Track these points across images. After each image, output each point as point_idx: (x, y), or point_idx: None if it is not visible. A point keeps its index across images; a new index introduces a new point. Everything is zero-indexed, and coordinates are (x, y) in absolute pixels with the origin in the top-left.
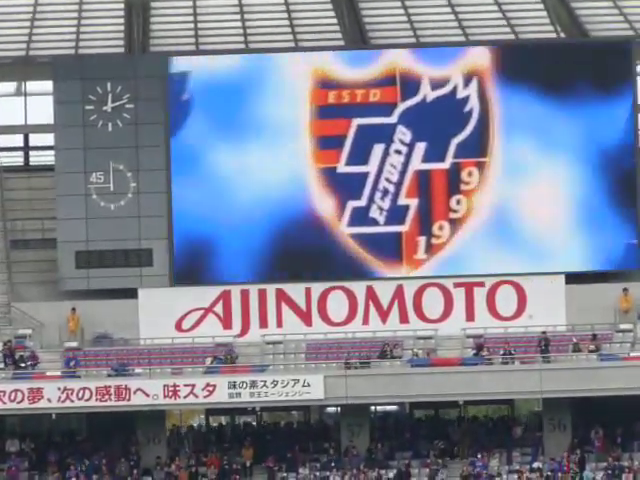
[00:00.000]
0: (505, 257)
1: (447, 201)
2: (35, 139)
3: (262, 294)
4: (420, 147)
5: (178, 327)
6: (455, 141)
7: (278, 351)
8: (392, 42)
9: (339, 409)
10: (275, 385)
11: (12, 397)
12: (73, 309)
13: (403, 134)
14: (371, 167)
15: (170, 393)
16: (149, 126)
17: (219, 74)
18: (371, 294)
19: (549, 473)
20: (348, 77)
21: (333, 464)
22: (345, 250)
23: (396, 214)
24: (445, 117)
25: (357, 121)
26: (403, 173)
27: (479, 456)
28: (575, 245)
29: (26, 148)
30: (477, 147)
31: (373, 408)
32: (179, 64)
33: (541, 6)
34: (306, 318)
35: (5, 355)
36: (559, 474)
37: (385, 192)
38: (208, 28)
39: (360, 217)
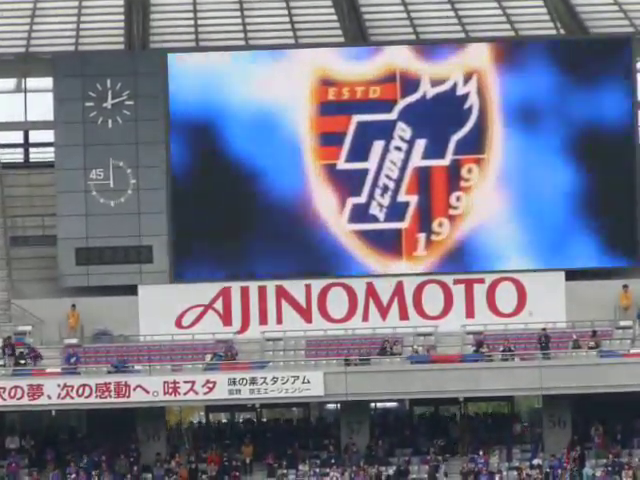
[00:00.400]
0: (505, 254)
1: (447, 198)
2: (35, 136)
3: (262, 291)
4: (420, 144)
5: (178, 324)
6: (455, 138)
7: (278, 348)
8: (392, 39)
9: (339, 406)
10: (275, 382)
11: (12, 394)
12: (73, 306)
13: (403, 131)
14: (371, 164)
15: (170, 390)
16: (149, 123)
17: (219, 71)
18: (371, 291)
19: (549, 470)
20: (348, 74)
21: (333, 461)
22: (345, 247)
23: (396, 211)
24: (445, 114)
25: (357, 118)
26: (403, 170)
27: (480, 453)
28: (575, 242)
29: (26, 145)
30: (477, 144)
31: (373, 405)
32: (179, 60)
33: (541, 2)
34: (306, 315)
35: (5, 345)
36: (559, 471)
37: (385, 189)
38: (208, 25)
39: (360, 214)
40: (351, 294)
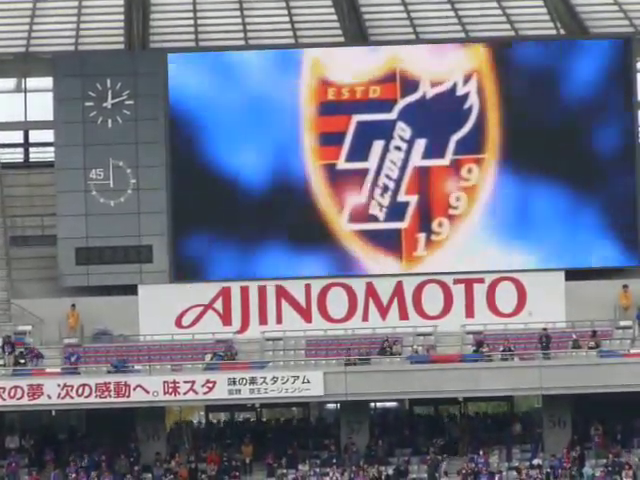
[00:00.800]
0: (505, 253)
1: (447, 198)
2: (35, 135)
3: (262, 290)
4: (420, 144)
5: (178, 324)
6: (455, 138)
7: (278, 348)
8: (392, 39)
9: (339, 406)
10: (275, 382)
11: (12, 393)
12: (73, 305)
13: (403, 130)
14: (371, 164)
15: (170, 390)
16: (149, 122)
17: (219, 71)
18: (371, 291)
19: (549, 470)
20: (348, 74)
21: (333, 461)
22: (345, 246)
23: (396, 211)
24: (445, 114)
25: (357, 117)
26: (403, 169)
27: (480, 453)
28: (575, 242)
29: (26, 144)
30: (477, 144)
31: (373, 405)
32: (179, 60)
33: (541, 2)
34: (306, 314)
35: (4, 343)
36: (559, 471)
37: (385, 189)
38: (208, 25)
39: (360, 213)
40: (351, 294)
